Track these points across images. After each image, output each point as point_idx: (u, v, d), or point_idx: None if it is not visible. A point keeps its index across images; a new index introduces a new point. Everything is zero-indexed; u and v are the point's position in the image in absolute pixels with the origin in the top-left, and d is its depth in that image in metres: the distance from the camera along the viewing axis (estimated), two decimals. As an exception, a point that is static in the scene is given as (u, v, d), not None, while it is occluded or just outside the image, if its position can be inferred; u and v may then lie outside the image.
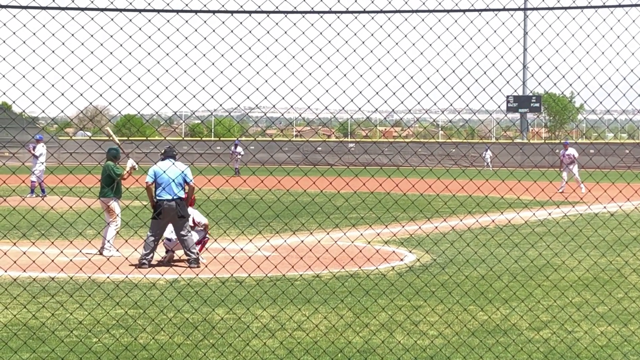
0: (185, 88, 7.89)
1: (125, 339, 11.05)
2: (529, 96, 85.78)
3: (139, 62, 7.76)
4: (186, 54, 7.75)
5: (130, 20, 7.62)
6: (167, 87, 7.80)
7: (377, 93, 8.57)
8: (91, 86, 7.60)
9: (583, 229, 19.60)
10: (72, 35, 7.53)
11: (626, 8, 8.95)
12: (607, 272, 16.17)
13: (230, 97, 8.09)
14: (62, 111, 8.08)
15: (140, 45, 7.76)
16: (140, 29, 7.71)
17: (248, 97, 8.07)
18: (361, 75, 8.43)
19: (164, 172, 17.52)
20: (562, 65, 9.20)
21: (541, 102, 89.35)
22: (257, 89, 8.02)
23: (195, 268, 16.94)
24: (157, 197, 17.57)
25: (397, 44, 8.61)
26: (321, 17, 8.08)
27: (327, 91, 8.30)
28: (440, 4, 8.38)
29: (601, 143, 66.30)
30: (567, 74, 9.25)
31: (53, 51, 7.52)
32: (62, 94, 7.62)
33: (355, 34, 8.33)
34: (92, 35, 7.45)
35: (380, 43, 8.53)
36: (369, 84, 8.48)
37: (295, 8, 7.91)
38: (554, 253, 16.82)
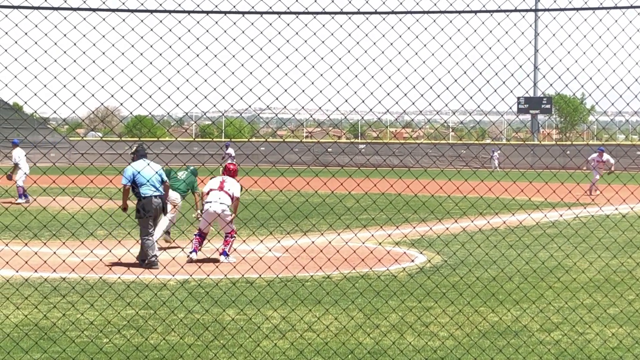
0: (196, 89, 7.90)
1: (136, 340, 11.06)
2: (540, 97, 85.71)
3: (151, 63, 7.78)
4: (197, 55, 7.76)
5: (142, 21, 7.63)
6: (178, 88, 7.80)
7: (388, 94, 8.57)
8: (102, 87, 7.61)
9: (594, 231, 19.57)
10: (84, 36, 7.55)
11: (639, 9, 8.93)
12: (618, 273, 16.13)
13: (241, 98, 8.10)
14: (74, 112, 8.09)
15: (151, 46, 7.77)
16: (151, 29, 7.73)
17: (259, 98, 8.08)
18: (372, 77, 8.43)
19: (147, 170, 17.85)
20: (573, 67, 9.18)
21: (552, 103, 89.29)
22: (268, 90, 8.02)
23: (155, 269, 16.76)
24: (143, 195, 17.68)
25: (408, 45, 8.61)
26: (332, 18, 8.08)
27: (338, 92, 8.30)
28: (451, 5, 8.37)
29: (613, 145, 66.19)
30: (578, 75, 9.23)
31: (65, 52, 7.53)
32: (74, 95, 7.63)
33: (366, 35, 8.33)
34: (103, 36, 7.46)
35: (391, 44, 8.53)
36: (380, 85, 8.48)
37: (306, 9, 7.92)
38: (565, 254, 16.79)
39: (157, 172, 17.79)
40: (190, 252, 18.27)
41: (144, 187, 17.69)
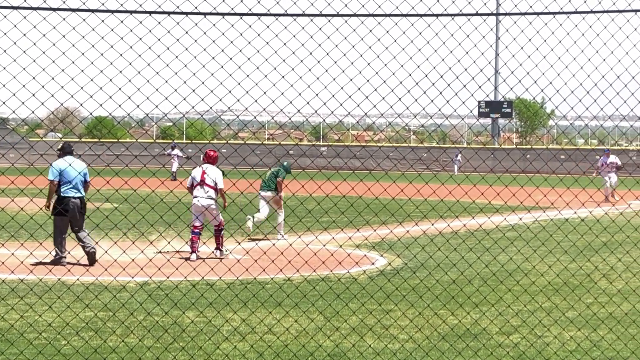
0: (157, 90, 7.86)
1: (95, 342, 10.99)
2: (501, 101, 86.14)
3: (111, 64, 7.73)
4: (158, 56, 7.72)
5: (103, 21, 7.58)
6: (139, 89, 7.76)
7: (349, 97, 8.57)
8: (62, 87, 7.56)
9: (553, 234, 19.68)
10: (44, 35, 7.49)
11: (598, 14, 8.99)
12: (576, 277, 16.23)
13: (202, 100, 8.07)
14: (33, 112, 8.03)
15: (112, 47, 7.72)
16: (112, 30, 7.68)
17: (220, 100, 8.05)
18: (334, 79, 8.43)
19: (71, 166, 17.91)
20: (533, 71, 9.23)
21: (513, 107, 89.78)
22: (230, 92, 8.00)
23: (62, 265, 17.30)
24: (63, 194, 17.76)
25: (370, 47, 8.62)
26: (294, 20, 8.08)
27: (299, 94, 8.29)
28: (413, 8, 8.39)
29: (572, 149, 66.63)
30: (538, 79, 9.28)
31: (24, 51, 7.47)
32: (33, 95, 7.57)
33: (328, 37, 8.33)
34: (63, 36, 7.41)
35: (353, 47, 8.53)
36: (342, 88, 8.48)
37: (268, 11, 7.90)
38: (524, 258, 16.87)
39: (80, 173, 17.81)
40: (191, 254, 19.03)
41: (66, 186, 17.82)
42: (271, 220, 24.52)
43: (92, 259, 17.51)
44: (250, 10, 7.84)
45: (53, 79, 7.58)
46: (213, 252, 19.44)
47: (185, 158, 54.86)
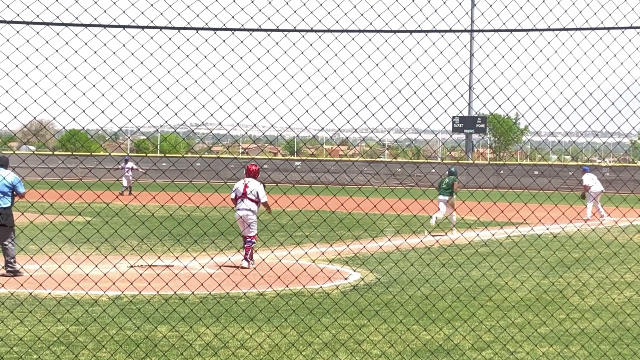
0: (130, 104, 7.84)
1: (67, 356, 10.94)
2: (475, 117, 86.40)
3: (84, 77, 7.71)
4: (132, 70, 7.71)
5: (77, 35, 7.56)
6: (112, 103, 7.75)
7: (323, 112, 8.58)
8: (35, 100, 7.53)
9: (526, 250, 19.73)
10: (17, 49, 7.46)
11: (571, 32, 9.05)
12: (549, 293, 16.29)
13: (176, 114, 8.06)
14: (6, 125, 8.00)
15: (85, 61, 7.70)
16: (86, 43, 7.66)
17: (194, 114, 8.04)
18: (307, 94, 8.44)
19: None
20: (507, 87, 9.27)
21: (486, 123, 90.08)
22: (204, 106, 7.99)
23: (18, 276, 17.29)
24: None
25: (343, 63, 8.63)
26: (268, 35, 8.08)
27: (273, 109, 8.30)
28: (387, 24, 8.41)
29: (545, 165, 66.91)
30: (512, 95, 9.32)
31: (-3, 64, 7.44)
32: (6, 108, 7.54)
33: (302, 53, 8.34)
34: (37, 50, 7.38)
35: (327, 62, 8.55)
36: (315, 103, 8.49)
37: (242, 25, 7.91)
38: (497, 274, 16.91)
39: (9, 182, 17.76)
40: (242, 261, 20.17)
41: None
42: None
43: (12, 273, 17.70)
44: (224, 25, 7.85)
45: (26, 92, 7.55)
46: (241, 261, 20.25)
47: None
